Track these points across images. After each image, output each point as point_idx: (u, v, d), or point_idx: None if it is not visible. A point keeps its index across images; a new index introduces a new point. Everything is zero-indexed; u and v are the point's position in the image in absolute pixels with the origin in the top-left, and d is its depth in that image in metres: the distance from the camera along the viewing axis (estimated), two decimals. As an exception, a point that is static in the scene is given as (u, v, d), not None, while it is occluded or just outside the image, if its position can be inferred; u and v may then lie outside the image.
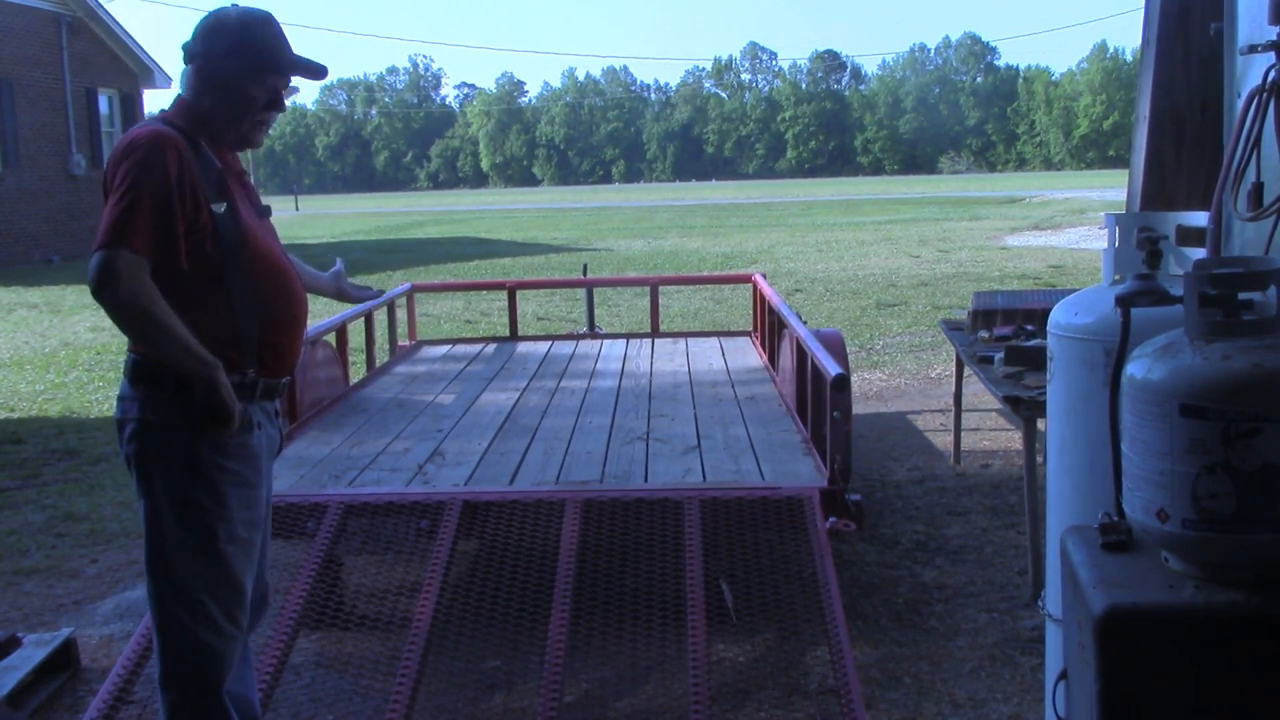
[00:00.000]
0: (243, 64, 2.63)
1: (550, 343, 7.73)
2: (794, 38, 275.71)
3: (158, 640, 2.67)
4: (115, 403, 2.70)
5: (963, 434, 6.84)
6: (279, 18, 2.74)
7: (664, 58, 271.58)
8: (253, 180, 2.93)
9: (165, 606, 2.64)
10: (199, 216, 2.54)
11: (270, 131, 2.82)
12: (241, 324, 2.63)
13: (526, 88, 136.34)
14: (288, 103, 2.78)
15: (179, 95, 2.70)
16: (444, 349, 7.64)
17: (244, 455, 2.65)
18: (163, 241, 2.48)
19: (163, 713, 2.69)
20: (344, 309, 6.09)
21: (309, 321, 3.15)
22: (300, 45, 2.72)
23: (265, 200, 2.87)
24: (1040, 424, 4.17)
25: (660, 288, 8.75)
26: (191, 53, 2.66)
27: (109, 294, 2.42)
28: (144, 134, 2.56)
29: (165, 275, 2.49)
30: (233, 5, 2.70)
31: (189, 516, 2.60)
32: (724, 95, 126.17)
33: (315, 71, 2.75)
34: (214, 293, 2.59)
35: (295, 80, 2.77)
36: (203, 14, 2.72)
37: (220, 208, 2.58)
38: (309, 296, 3.02)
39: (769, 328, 6.77)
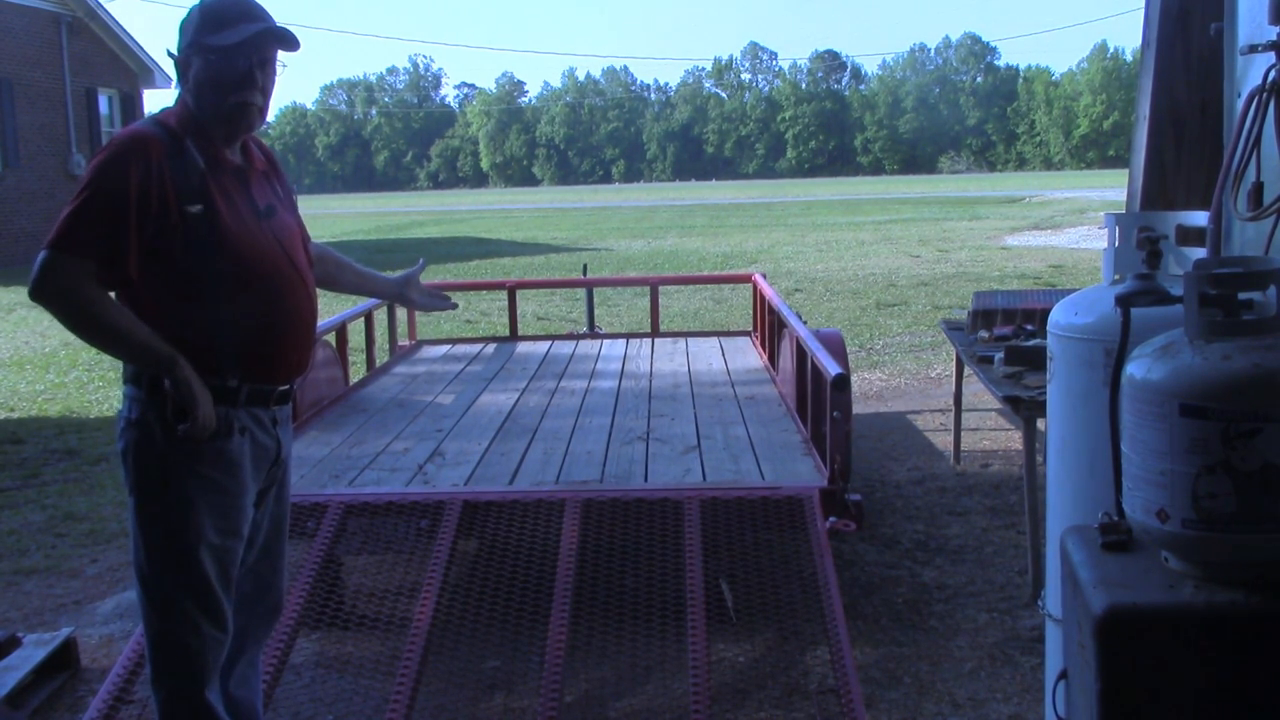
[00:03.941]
0: (204, 48, 2.55)
1: (550, 343, 7.73)
2: (794, 38, 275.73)
3: (144, 639, 2.68)
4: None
5: (963, 434, 6.84)
6: (279, 17, 2.66)
7: (664, 58, 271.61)
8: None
9: (146, 606, 2.64)
10: (167, 218, 2.48)
11: (268, 128, 2.75)
12: (219, 328, 2.56)
13: (526, 88, 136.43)
14: (276, 77, 2.64)
15: (180, 93, 2.65)
16: (444, 349, 7.64)
17: (220, 461, 2.59)
18: (111, 245, 2.43)
19: (155, 712, 2.70)
20: (344, 308, 6.08)
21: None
22: (302, 42, 2.63)
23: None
24: (1040, 424, 4.18)
25: (660, 288, 8.75)
26: (177, 45, 2.61)
27: (43, 296, 2.42)
28: (118, 136, 2.55)
29: (119, 278, 2.46)
30: None
31: (160, 518, 2.58)
32: (724, 95, 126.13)
33: (281, 38, 2.60)
34: (187, 296, 2.53)
35: (283, 56, 2.65)
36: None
37: (195, 209, 2.50)
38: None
39: (769, 328, 6.77)
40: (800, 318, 5.49)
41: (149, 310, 2.49)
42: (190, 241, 2.51)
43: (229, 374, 2.59)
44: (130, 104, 24.98)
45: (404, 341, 7.67)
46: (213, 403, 2.54)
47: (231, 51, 2.55)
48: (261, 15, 2.61)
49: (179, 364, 2.48)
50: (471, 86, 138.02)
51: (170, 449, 2.54)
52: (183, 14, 2.62)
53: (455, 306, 3.53)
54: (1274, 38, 2.57)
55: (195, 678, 2.63)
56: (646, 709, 3.60)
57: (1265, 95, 2.60)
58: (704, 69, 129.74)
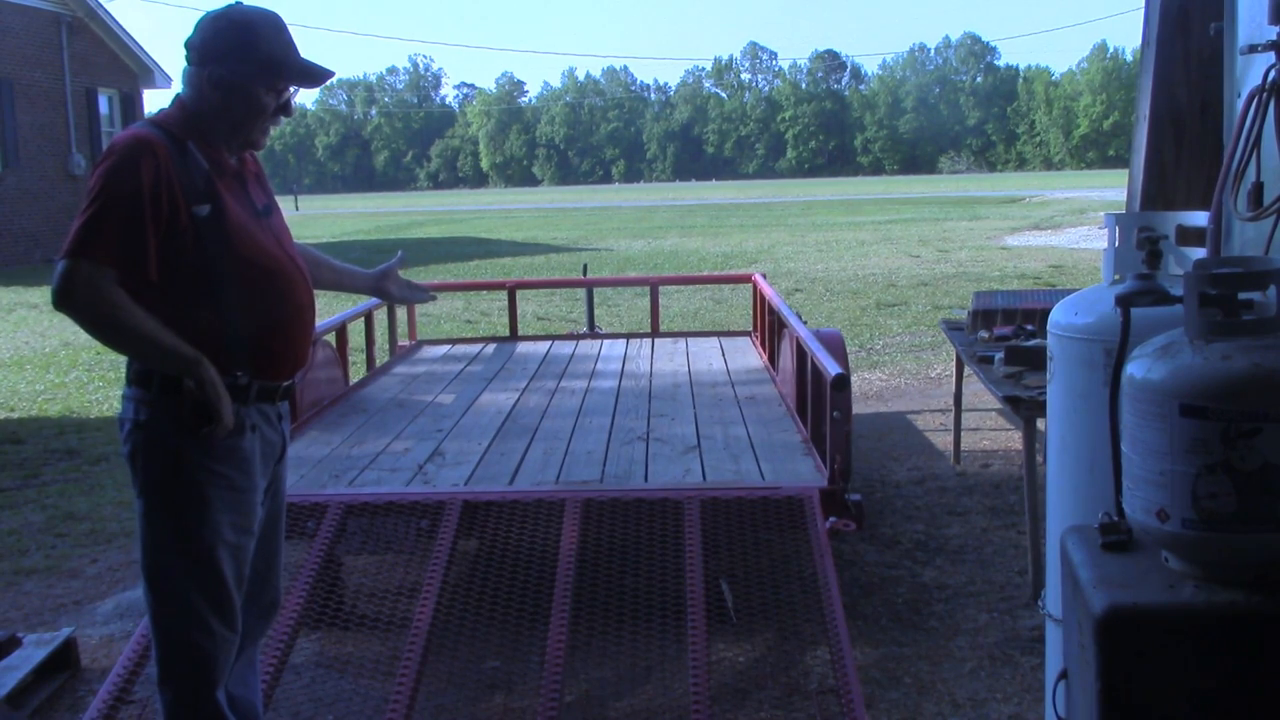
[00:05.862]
0: (257, 70, 2.57)
1: (550, 343, 7.72)
2: (794, 38, 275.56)
3: (153, 640, 2.67)
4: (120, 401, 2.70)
5: (963, 434, 6.83)
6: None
7: (664, 58, 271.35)
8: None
9: (156, 606, 2.63)
10: (177, 221, 2.49)
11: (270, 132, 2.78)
12: (230, 327, 2.58)
13: (526, 88, 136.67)
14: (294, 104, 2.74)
15: (178, 94, 2.65)
16: (444, 349, 7.64)
17: (233, 458, 2.60)
18: (131, 249, 2.44)
19: (161, 712, 2.69)
20: (344, 308, 6.08)
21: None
22: (300, 45, 2.68)
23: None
24: (1040, 424, 4.17)
25: (660, 288, 8.75)
26: (200, 53, 2.59)
27: (68, 305, 2.43)
28: (122, 139, 2.54)
29: (139, 281, 2.46)
30: (239, 4, 2.63)
31: (174, 517, 2.58)
32: (724, 95, 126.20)
33: (325, 77, 2.70)
34: (198, 296, 2.54)
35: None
36: (203, 13, 2.66)
37: (203, 210, 2.52)
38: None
39: (769, 328, 6.77)
40: (800, 318, 5.49)
41: (158, 312, 2.50)
42: (200, 242, 2.53)
43: (239, 371, 2.61)
44: (130, 104, 24.98)
45: (404, 341, 7.67)
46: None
47: (276, 79, 2.60)
48: (296, 47, 2.66)
49: (205, 365, 2.50)
50: (471, 86, 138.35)
51: (184, 449, 2.54)
52: (196, 16, 2.63)
53: (434, 298, 3.55)
54: (1274, 38, 2.57)
55: (206, 678, 2.63)
56: (646, 709, 3.60)
57: (1265, 95, 2.60)
58: (704, 69, 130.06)
